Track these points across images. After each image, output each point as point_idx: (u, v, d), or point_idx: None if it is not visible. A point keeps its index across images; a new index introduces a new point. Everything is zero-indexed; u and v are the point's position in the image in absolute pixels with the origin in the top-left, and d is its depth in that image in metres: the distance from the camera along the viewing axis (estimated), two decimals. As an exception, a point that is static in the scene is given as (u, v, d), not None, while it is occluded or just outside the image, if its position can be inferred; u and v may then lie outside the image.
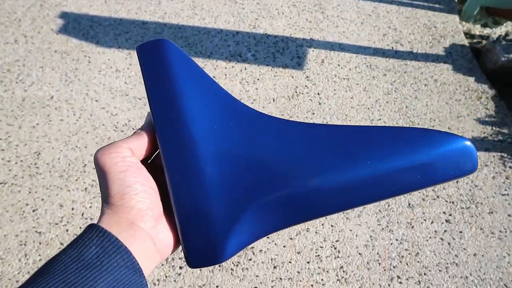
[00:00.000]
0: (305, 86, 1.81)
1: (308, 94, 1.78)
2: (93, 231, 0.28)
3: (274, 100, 1.75)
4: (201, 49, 1.96)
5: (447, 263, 1.37)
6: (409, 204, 1.50)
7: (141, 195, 0.30)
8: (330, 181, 0.30)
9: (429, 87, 1.86)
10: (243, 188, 0.31)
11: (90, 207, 1.45)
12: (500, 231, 1.45)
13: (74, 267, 0.26)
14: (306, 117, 1.68)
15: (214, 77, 1.86)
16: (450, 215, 1.48)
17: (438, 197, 1.53)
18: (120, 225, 0.29)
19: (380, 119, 1.70)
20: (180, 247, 0.35)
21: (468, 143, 0.31)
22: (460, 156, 0.30)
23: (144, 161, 0.34)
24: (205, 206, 0.30)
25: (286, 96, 1.77)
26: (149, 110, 0.34)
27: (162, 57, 0.31)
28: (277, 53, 1.95)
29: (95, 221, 1.45)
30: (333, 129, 0.32)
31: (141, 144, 0.32)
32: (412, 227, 1.45)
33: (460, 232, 1.45)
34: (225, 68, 1.88)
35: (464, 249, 1.40)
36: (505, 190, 1.56)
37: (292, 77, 1.84)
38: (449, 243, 1.42)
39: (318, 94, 1.78)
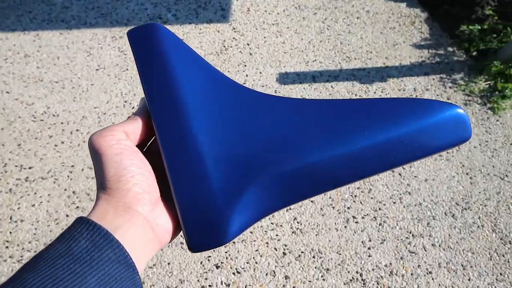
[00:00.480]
0: (233, 38, 1.70)
1: (238, 46, 1.67)
2: (82, 224, 0.27)
3: (202, 59, 1.63)
4: (116, 17, 1.79)
5: (400, 194, 1.34)
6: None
7: (137, 178, 0.29)
8: (326, 156, 0.30)
9: (362, 19, 1.78)
10: (243, 168, 0.30)
11: (19, 208, 1.32)
12: (448, 152, 1.44)
13: (62, 262, 0.24)
14: (238, 71, 1.58)
15: (134, 45, 1.71)
16: (397, 145, 1.45)
17: (383, 129, 1.49)
18: (117, 210, 0.28)
19: (315, 59, 1.62)
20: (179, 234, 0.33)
21: (461, 110, 0.31)
22: (454, 124, 0.30)
23: (139, 148, 0.33)
24: (205, 187, 0.30)
25: (214, 52, 1.65)
26: (142, 96, 0.31)
27: (154, 41, 0.31)
28: (199, 9, 1.80)
29: (26, 223, 1.32)
30: (324, 104, 0.32)
31: (136, 128, 0.32)
32: (362, 164, 1.40)
33: (409, 160, 1.42)
34: (145, 33, 1.73)
35: (415, 176, 1.38)
36: (448, 110, 1.53)
37: (218, 31, 1.72)
38: (400, 174, 1.39)
39: (248, 44, 1.67)
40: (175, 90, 0.31)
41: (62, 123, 1.50)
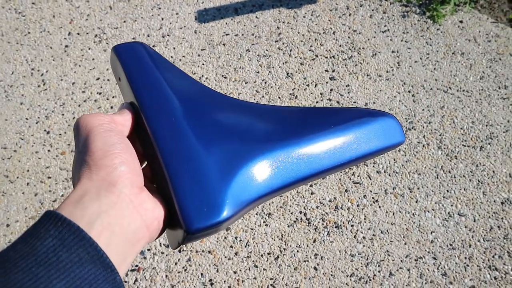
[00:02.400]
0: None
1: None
2: (50, 220, 0.23)
3: (111, 8, 1.45)
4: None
5: (340, 123, 1.25)
6: (287, 74, 1.33)
7: (124, 156, 0.27)
8: (296, 145, 0.33)
9: None
10: (234, 153, 0.32)
11: None
12: (387, 71, 1.33)
13: (23, 265, 0.21)
14: (153, 15, 1.42)
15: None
16: (333, 71, 1.33)
17: (317, 56, 1.36)
18: (99, 190, 0.25)
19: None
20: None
21: (392, 118, 0.35)
22: (387, 129, 0.35)
23: None
24: (199, 168, 0.30)
25: (123, -1, 1.47)
26: (122, 101, 0.39)
27: (142, 55, 0.36)
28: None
29: None
30: (277, 110, 0.36)
31: (125, 120, 0.31)
32: (296, 97, 1.29)
33: (347, 86, 1.31)
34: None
35: (354, 102, 1.28)
36: (385, 26, 1.40)
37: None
38: (338, 101, 1.28)
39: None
40: (164, 91, 0.33)
41: (-37, 102, 1.34)
